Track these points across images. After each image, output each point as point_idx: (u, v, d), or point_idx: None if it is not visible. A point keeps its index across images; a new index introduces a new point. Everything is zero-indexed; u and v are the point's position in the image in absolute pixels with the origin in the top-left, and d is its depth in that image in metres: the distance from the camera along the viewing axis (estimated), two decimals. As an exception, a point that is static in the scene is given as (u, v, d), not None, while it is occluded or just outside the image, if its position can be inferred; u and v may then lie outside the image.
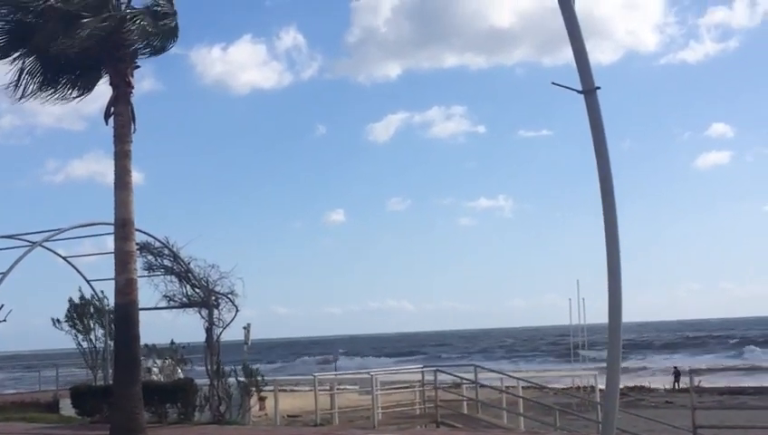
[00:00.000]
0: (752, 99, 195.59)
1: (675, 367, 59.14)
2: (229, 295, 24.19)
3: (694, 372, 20.43)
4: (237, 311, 24.31)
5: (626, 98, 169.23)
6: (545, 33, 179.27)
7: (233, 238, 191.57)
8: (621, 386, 52.17)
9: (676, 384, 54.09)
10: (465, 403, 23.93)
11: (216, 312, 24.22)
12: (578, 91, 12.13)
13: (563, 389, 32.67)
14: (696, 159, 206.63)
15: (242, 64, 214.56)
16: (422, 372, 24.36)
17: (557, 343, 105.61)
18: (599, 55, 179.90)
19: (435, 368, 23.95)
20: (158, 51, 19.03)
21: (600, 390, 32.06)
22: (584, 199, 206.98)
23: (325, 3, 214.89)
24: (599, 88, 12.15)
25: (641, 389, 53.39)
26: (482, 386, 24.00)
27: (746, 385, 47.22)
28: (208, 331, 24.27)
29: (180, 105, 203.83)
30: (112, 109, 18.39)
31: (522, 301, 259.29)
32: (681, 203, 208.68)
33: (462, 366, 36.28)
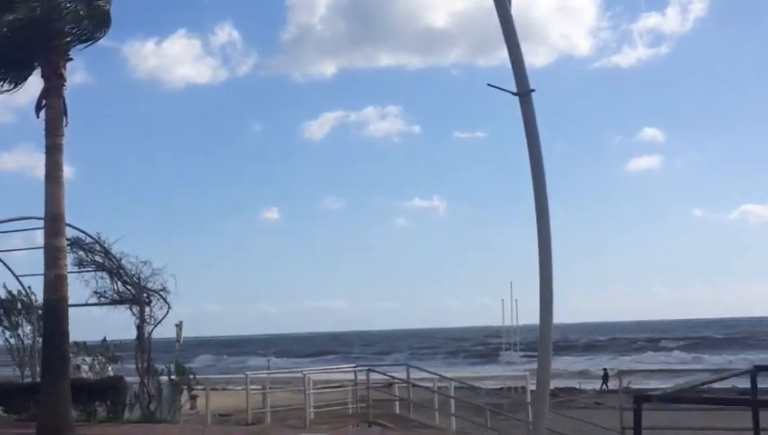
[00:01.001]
0: (682, 104, 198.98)
1: (604, 368, 60.03)
2: (161, 292, 24.00)
3: (623, 374, 20.67)
4: (169, 308, 24.14)
5: (559, 101, 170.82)
6: (480, 35, 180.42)
7: (165, 235, 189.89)
8: (552, 387, 52.62)
9: (605, 385, 54.88)
10: (397, 403, 23.95)
11: (147, 309, 24.01)
12: (513, 94, 12.21)
13: (495, 389, 32.87)
14: (627, 163, 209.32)
15: (176, 59, 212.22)
16: (354, 371, 24.35)
17: (488, 344, 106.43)
18: (533, 58, 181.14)
19: (367, 367, 23.97)
20: (89, 39, 18.65)
21: (531, 391, 32.47)
22: (517, 201, 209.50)
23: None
24: (533, 91, 12.24)
25: (571, 390, 54.08)
26: (414, 386, 24.03)
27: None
28: (139, 328, 24.04)
29: (112, 99, 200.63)
30: (44, 102, 18.10)
31: (456, 301, 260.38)
32: (613, 207, 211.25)
33: (394, 366, 36.35)
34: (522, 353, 51.27)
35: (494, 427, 23.52)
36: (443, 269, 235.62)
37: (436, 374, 26.10)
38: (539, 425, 11.61)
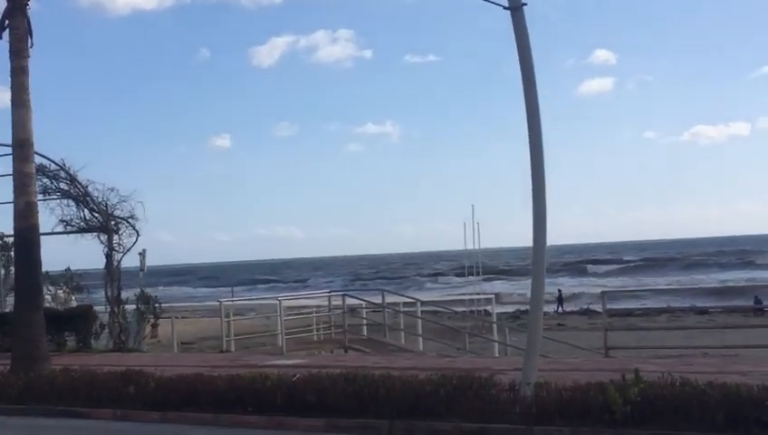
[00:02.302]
0: (634, 26, 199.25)
1: (558, 290, 60.60)
2: (129, 220, 23.55)
3: (606, 295, 20.62)
4: (138, 236, 23.71)
5: (509, 26, 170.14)
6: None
7: (119, 163, 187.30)
8: (513, 310, 53.04)
9: (561, 307, 55.56)
10: (369, 327, 23.88)
11: (116, 237, 23.56)
12: (504, 8, 11.90)
13: (463, 312, 32.97)
14: (579, 85, 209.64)
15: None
16: (329, 297, 24.18)
17: (452, 268, 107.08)
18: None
19: (342, 292, 23.80)
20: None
21: (497, 313, 32.64)
22: (471, 125, 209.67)
23: None
24: (525, 4, 11.92)
25: (532, 312, 54.53)
26: (388, 311, 23.92)
27: (632, 307, 48.62)
28: (108, 256, 23.60)
29: (58, 25, 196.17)
30: (7, 22, 17.38)
31: (411, 226, 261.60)
32: (565, 129, 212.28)
33: (369, 291, 36.26)
34: (483, 277, 51.61)
35: (469, 348, 23.58)
36: (397, 194, 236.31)
37: (412, 298, 26.03)
38: (533, 347, 11.54)
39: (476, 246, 40.68)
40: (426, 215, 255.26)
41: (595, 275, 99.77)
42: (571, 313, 53.88)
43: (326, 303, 23.95)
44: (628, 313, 43.59)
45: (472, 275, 41.37)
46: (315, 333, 23.60)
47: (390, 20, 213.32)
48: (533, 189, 11.65)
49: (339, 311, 22.79)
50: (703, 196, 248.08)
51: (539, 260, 11.57)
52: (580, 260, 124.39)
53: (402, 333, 23.57)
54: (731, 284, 73.92)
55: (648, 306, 48.60)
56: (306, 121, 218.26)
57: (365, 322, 23.98)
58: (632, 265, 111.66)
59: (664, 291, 64.63)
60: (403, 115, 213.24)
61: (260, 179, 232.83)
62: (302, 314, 24.46)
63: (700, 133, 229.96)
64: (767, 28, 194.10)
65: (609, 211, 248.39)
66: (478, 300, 35.89)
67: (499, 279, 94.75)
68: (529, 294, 12.09)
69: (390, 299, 24.89)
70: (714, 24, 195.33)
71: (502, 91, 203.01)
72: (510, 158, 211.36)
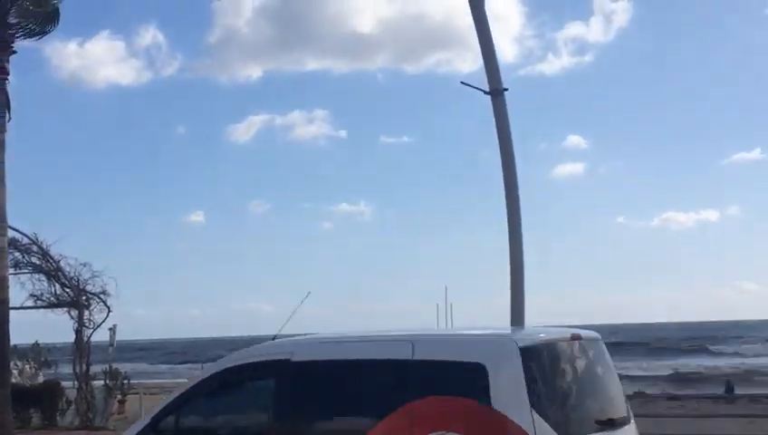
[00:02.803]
0: (605, 112, 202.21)
1: None
2: (101, 295, 23.38)
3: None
4: (110, 311, 23.54)
5: (486, 107, 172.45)
6: (407, 41, 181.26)
7: (92, 238, 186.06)
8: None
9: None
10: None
11: (86, 312, 23.34)
12: (485, 92, 12.10)
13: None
14: (552, 169, 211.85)
15: (99, 60, 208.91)
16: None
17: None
18: (460, 65, 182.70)
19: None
20: (36, 33, 18.02)
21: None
22: (444, 207, 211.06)
23: (186, 2, 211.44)
24: (506, 90, 12.14)
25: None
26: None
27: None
28: (78, 332, 23.36)
29: (35, 99, 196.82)
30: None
31: (384, 305, 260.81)
32: (539, 213, 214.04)
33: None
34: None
35: None
36: (369, 274, 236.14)
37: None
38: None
39: (450, 327, 40.53)
40: (398, 295, 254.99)
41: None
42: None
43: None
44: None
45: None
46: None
47: (366, 101, 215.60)
48: (512, 272, 11.70)
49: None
50: (672, 281, 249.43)
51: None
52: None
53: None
54: (700, 369, 74.20)
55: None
56: (280, 199, 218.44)
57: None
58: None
59: (634, 377, 64.54)
60: (377, 195, 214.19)
61: (233, 255, 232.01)
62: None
63: (671, 219, 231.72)
64: (736, 118, 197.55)
65: (582, 294, 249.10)
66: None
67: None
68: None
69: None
70: (683, 113, 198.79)
71: (477, 174, 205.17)
72: (484, 239, 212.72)
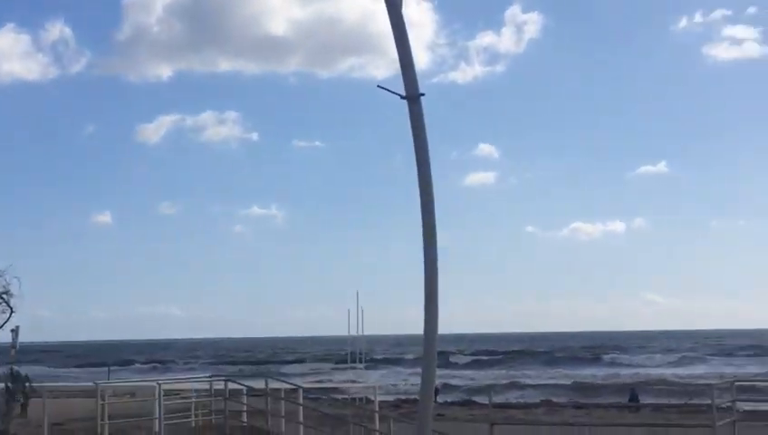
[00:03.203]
0: (516, 122, 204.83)
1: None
2: (3, 295, 22.73)
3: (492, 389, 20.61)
4: (12, 312, 22.91)
5: (399, 114, 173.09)
6: (319, 45, 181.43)
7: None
8: (393, 398, 52.81)
9: (436, 398, 55.46)
10: (254, 414, 23.33)
11: (-13, 313, 22.66)
12: (401, 97, 12.00)
13: (344, 399, 32.57)
14: (464, 178, 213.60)
15: (3, 54, 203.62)
16: (210, 381, 23.60)
17: (334, 354, 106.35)
18: (374, 71, 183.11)
19: (225, 377, 23.28)
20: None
21: (379, 401, 32.40)
22: (356, 211, 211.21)
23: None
24: (423, 94, 12.06)
25: (414, 401, 54.42)
26: (273, 397, 23.43)
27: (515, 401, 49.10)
28: (-22, 333, 22.67)
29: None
30: None
31: (295, 311, 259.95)
32: (451, 221, 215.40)
33: (255, 376, 35.60)
34: (365, 364, 51.24)
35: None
36: (281, 278, 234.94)
37: (294, 385, 25.60)
38: (424, 431, 11.40)
39: (360, 333, 40.39)
40: (309, 300, 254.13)
41: (455, 366, 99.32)
42: (452, 403, 53.92)
43: (207, 387, 23.33)
44: (508, 405, 44.03)
45: (354, 361, 41.04)
46: (194, 419, 22.92)
47: (278, 104, 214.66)
48: (426, 278, 11.63)
49: (220, 397, 22.20)
50: (579, 290, 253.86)
51: (430, 349, 11.50)
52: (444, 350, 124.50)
53: (283, 421, 23.09)
54: (605, 378, 75.42)
55: (527, 399, 49.20)
56: (190, 201, 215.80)
57: (245, 408, 23.42)
58: (498, 356, 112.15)
59: (540, 385, 65.41)
60: (289, 199, 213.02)
61: (141, 257, 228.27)
62: (182, 398, 23.75)
63: (579, 230, 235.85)
64: (643, 131, 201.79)
65: (491, 302, 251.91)
66: (360, 388, 35.53)
67: (381, 367, 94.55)
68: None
69: (274, 385, 24.40)
70: (592, 125, 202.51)
71: (390, 180, 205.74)
72: (397, 245, 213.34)
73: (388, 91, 11.97)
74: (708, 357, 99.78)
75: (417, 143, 11.93)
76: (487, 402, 49.47)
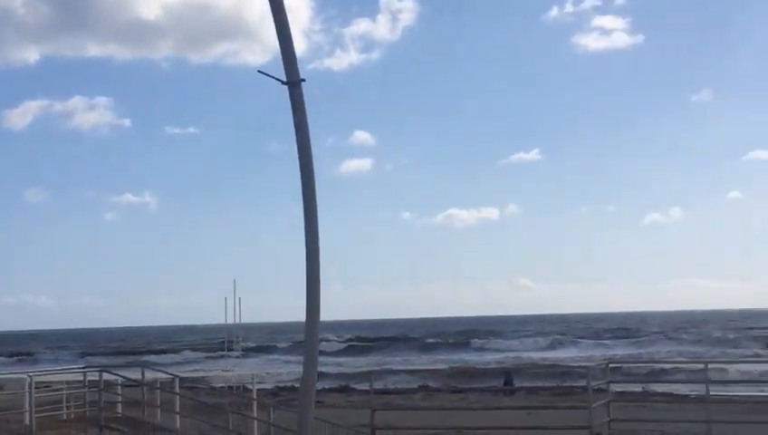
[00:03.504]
0: (392, 109, 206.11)
1: None
2: None
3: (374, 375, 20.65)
4: None
5: (273, 100, 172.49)
6: (192, 30, 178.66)
7: None
8: (271, 386, 52.41)
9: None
10: (131, 405, 22.88)
11: None
12: (282, 82, 11.93)
13: (222, 388, 32.23)
14: (341, 164, 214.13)
15: None
16: (84, 372, 23.01)
17: (210, 342, 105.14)
18: (249, 56, 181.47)
19: (100, 368, 22.73)
20: None
21: (257, 389, 32.18)
22: (230, 199, 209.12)
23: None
24: (303, 80, 12.02)
25: (291, 389, 54.31)
26: (149, 387, 23.01)
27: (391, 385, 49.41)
28: None
29: None
30: None
31: (168, 299, 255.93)
32: (326, 208, 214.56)
33: (130, 366, 34.88)
34: (243, 352, 50.83)
35: (223, 425, 22.99)
36: (154, 266, 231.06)
37: (170, 374, 25.18)
38: (305, 422, 11.36)
39: (237, 321, 40.02)
40: (185, 288, 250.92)
41: (329, 352, 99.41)
42: (329, 390, 53.99)
43: (81, 378, 22.74)
44: (386, 391, 44.32)
45: (231, 350, 40.66)
46: (65, 411, 22.33)
47: (150, 90, 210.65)
48: (308, 265, 11.58)
49: (95, 388, 21.67)
50: (454, 276, 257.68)
51: (312, 338, 11.46)
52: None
53: (159, 411, 22.70)
54: (480, 362, 76.74)
55: (406, 385, 49.62)
56: (59, 188, 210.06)
57: (120, 399, 22.94)
58: (372, 343, 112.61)
59: (417, 371, 66.03)
60: (162, 186, 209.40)
61: (7, 245, 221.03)
62: (53, 390, 23.10)
63: (454, 216, 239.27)
64: (516, 119, 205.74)
65: (367, 288, 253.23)
66: (237, 376, 35.23)
67: (258, 354, 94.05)
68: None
69: (150, 375, 23.97)
70: (467, 112, 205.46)
71: (266, 166, 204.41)
72: (270, 233, 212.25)
73: (269, 76, 11.88)
74: (579, 340, 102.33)
75: (299, 129, 11.87)
76: (364, 388, 50.15)
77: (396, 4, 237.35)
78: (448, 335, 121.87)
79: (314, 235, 11.49)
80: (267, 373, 64.02)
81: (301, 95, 11.85)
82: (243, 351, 50.56)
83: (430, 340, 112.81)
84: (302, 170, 11.72)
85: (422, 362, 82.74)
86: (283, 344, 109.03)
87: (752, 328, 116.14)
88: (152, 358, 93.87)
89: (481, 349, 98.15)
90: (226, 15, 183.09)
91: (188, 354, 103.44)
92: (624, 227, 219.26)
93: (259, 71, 11.86)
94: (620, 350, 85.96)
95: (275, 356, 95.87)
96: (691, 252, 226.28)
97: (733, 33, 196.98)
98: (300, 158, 11.79)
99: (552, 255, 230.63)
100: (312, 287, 11.43)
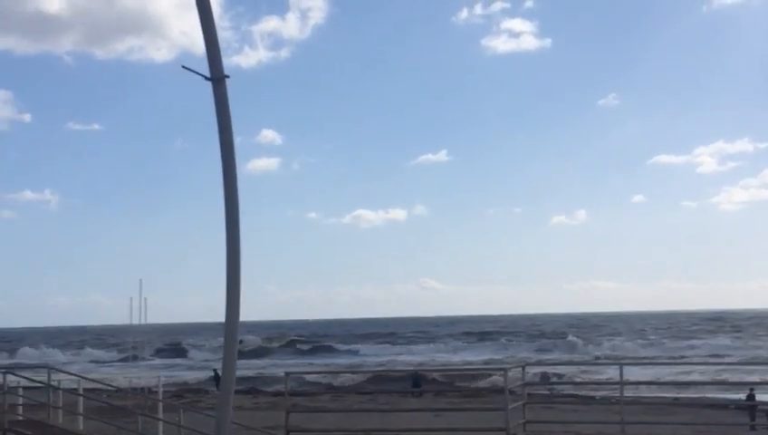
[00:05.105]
0: (300, 109, 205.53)
1: (214, 370, 59.56)
2: None
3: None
4: None
5: (181, 98, 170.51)
6: (96, 24, 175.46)
7: None
8: (176, 388, 51.72)
9: (218, 386, 54.64)
10: (34, 408, 22.20)
11: None
12: (206, 78, 11.72)
13: (127, 389, 31.62)
14: (247, 163, 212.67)
15: None
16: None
17: (117, 343, 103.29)
18: (154, 53, 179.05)
19: (4, 370, 21.94)
20: None
21: (163, 390, 31.62)
22: (138, 198, 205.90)
23: None
24: (227, 76, 11.84)
25: (197, 391, 53.68)
26: (55, 389, 22.35)
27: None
28: None
29: None
30: None
31: (69, 299, 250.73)
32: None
33: (34, 368, 33.85)
34: (149, 353, 50.15)
35: (129, 427, 22.53)
36: (53, 265, 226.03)
37: (76, 375, 24.55)
38: (224, 422, 11.15)
39: (143, 322, 39.25)
40: (87, 288, 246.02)
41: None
42: (236, 392, 53.37)
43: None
44: (293, 392, 44.09)
45: (137, 350, 39.97)
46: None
47: (53, 84, 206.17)
48: (228, 264, 11.37)
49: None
50: (362, 277, 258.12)
51: (231, 340, 11.24)
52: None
53: (61, 412, 22.10)
54: (388, 363, 76.91)
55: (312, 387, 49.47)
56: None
57: (21, 402, 22.22)
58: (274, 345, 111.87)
59: (327, 372, 65.92)
60: (64, 183, 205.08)
61: None
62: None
63: (361, 217, 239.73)
64: (424, 120, 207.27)
65: (272, 289, 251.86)
66: (143, 377, 34.62)
67: (164, 356, 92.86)
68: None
69: (54, 377, 23.30)
70: (375, 113, 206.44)
71: (173, 165, 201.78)
72: (179, 232, 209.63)
73: (193, 72, 11.65)
74: (489, 343, 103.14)
75: (222, 126, 11.67)
76: (268, 390, 49.73)
77: (306, 2, 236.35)
78: (354, 339, 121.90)
79: (236, 236, 11.28)
80: (172, 375, 63.20)
81: (225, 91, 11.66)
82: (148, 352, 49.91)
83: (338, 341, 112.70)
84: (224, 170, 11.51)
85: (331, 363, 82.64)
86: (187, 346, 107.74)
87: (644, 330, 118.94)
88: (56, 359, 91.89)
89: (389, 351, 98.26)
90: (132, 10, 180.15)
91: (93, 355, 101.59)
92: (530, 229, 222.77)
93: (183, 66, 11.62)
94: (525, 353, 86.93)
95: (179, 358, 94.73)
96: (595, 254, 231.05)
97: (639, 40, 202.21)
98: (223, 157, 11.58)
99: (460, 256, 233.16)
100: (231, 289, 11.22)
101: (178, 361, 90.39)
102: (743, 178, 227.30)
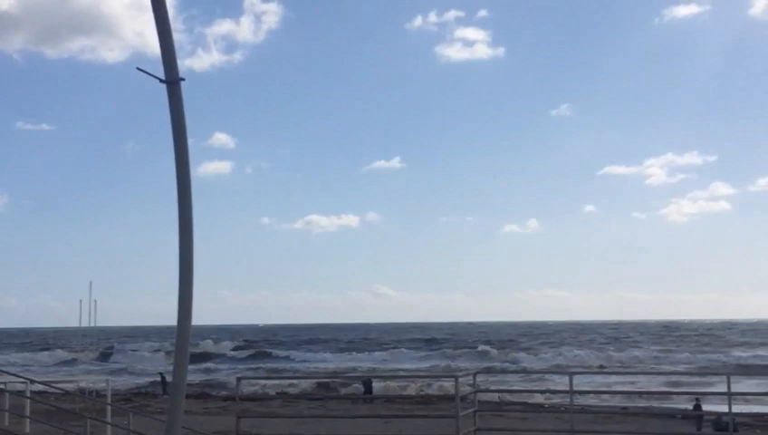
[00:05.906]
0: (254, 112, 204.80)
1: (161, 374, 58.96)
2: None
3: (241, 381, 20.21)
4: None
5: (133, 100, 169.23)
6: (47, 22, 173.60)
7: None
8: (124, 391, 51.21)
9: (165, 391, 54.35)
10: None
11: None
12: (161, 81, 11.63)
13: (77, 392, 31.30)
14: (199, 166, 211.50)
15: None
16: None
17: (64, 345, 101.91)
18: (106, 53, 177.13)
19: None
20: None
21: (112, 394, 31.33)
22: (88, 199, 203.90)
23: None
24: (183, 79, 11.75)
25: (145, 395, 53.20)
26: (1, 391, 22.05)
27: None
28: None
29: None
30: None
31: (16, 301, 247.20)
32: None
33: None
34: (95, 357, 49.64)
35: (74, 430, 22.27)
36: (3, 266, 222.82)
37: (22, 378, 24.24)
38: (174, 425, 11.05)
39: (92, 324, 39.06)
40: (37, 290, 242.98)
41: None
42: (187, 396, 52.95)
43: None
44: (244, 397, 43.91)
45: (86, 352, 39.70)
46: None
47: (2, 83, 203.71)
48: (181, 267, 11.29)
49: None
50: (313, 282, 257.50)
51: (183, 343, 11.15)
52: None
53: (7, 416, 21.84)
54: (341, 369, 76.74)
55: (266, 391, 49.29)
56: None
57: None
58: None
59: (278, 377, 65.68)
60: (12, 184, 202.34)
61: None
62: None
63: (313, 222, 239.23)
64: (378, 126, 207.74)
65: (225, 293, 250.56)
66: (91, 380, 34.35)
67: (113, 359, 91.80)
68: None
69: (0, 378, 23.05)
70: (329, 119, 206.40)
71: (123, 166, 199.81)
72: (130, 235, 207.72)
73: (148, 74, 11.56)
74: (446, 350, 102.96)
75: (176, 129, 11.60)
76: (218, 394, 49.47)
77: (260, 6, 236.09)
78: (307, 343, 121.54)
79: (189, 240, 11.20)
80: (121, 378, 62.57)
81: (180, 94, 11.57)
82: (96, 354, 49.46)
83: (291, 347, 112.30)
84: (178, 173, 11.43)
85: (282, 368, 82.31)
86: (136, 348, 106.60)
87: (592, 340, 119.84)
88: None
89: (342, 356, 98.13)
90: (84, 9, 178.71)
91: (40, 358, 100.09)
92: (483, 237, 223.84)
93: (138, 68, 11.52)
94: (475, 362, 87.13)
95: (127, 361, 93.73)
96: (546, 263, 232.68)
97: (592, 51, 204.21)
98: (177, 160, 11.49)
99: (412, 263, 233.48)
100: (184, 293, 11.13)
101: (129, 363, 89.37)
102: (691, 191, 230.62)
